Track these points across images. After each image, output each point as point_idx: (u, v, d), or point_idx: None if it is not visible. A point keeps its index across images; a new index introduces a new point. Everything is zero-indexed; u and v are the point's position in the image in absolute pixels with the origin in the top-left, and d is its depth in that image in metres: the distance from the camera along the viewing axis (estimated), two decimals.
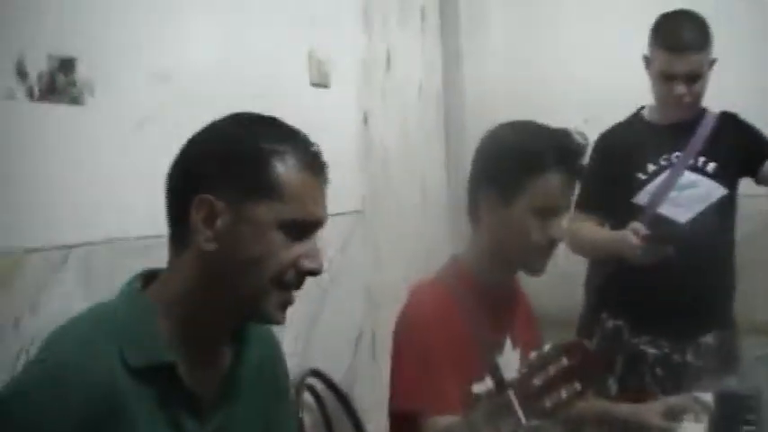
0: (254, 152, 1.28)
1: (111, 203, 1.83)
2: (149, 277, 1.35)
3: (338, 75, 2.73)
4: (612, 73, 3.50)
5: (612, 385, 2.63)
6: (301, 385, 2.24)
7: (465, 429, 1.40)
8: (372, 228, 2.95)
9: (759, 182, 2.68)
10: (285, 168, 1.28)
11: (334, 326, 2.55)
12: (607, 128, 2.81)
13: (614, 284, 2.70)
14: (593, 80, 3.64)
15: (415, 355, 1.83)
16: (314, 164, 1.31)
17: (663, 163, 2.67)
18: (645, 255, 2.49)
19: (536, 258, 1.89)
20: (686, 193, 2.65)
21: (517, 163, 1.84)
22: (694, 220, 2.63)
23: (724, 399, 2.15)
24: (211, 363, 1.35)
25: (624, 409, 2.19)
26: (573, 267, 2.85)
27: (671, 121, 2.70)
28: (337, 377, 2.51)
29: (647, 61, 2.67)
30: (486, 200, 1.89)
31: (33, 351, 1.50)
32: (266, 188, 1.27)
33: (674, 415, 2.09)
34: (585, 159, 1.90)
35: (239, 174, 1.27)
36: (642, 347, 2.64)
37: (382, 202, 3.06)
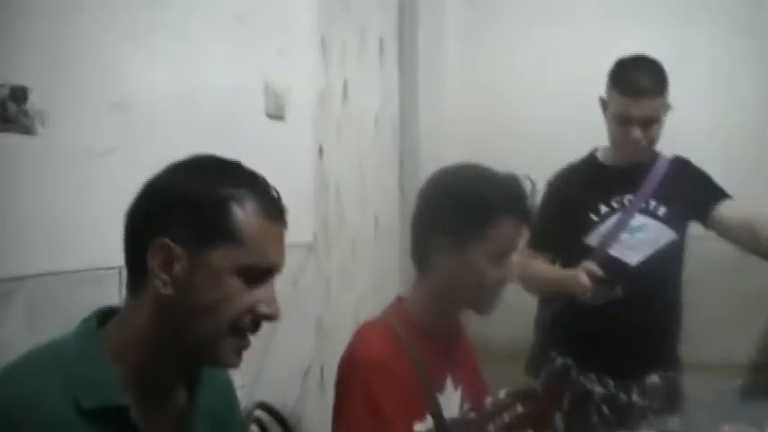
0: (213, 197, 1.29)
1: (63, 235, 1.80)
2: (106, 315, 1.34)
3: (294, 106, 2.73)
4: (567, 110, 3.56)
5: (559, 423, 2.65)
6: (249, 418, 2.23)
7: None
8: (323, 260, 2.94)
9: (707, 227, 2.73)
10: (243, 214, 1.28)
11: (284, 358, 2.54)
12: (561, 168, 2.86)
13: (562, 322, 2.75)
14: (548, 117, 3.69)
15: (358, 395, 1.84)
16: (273, 209, 1.32)
17: (615, 205, 2.72)
18: (595, 295, 2.54)
19: (488, 299, 1.92)
20: (637, 236, 2.70)
21: (470, 211, 1.87)
22: (643, 263, 2.68)
23: None
24: (165, 406, 1.35)
25: None
26: (521, 299, 2.87)
27: (624, 163, 2.75)
28: (285, 410, 2.49)
29: (604, 104, 2.72)
30: (437, 247, 1.90)
31: None
32: (224, 233, 1.27)
33: None
34: (534, 203, 1.93)
35: (197, 219, 1.28)
36: (589, 386, 2.67)
37: (334, 235, 3.06)
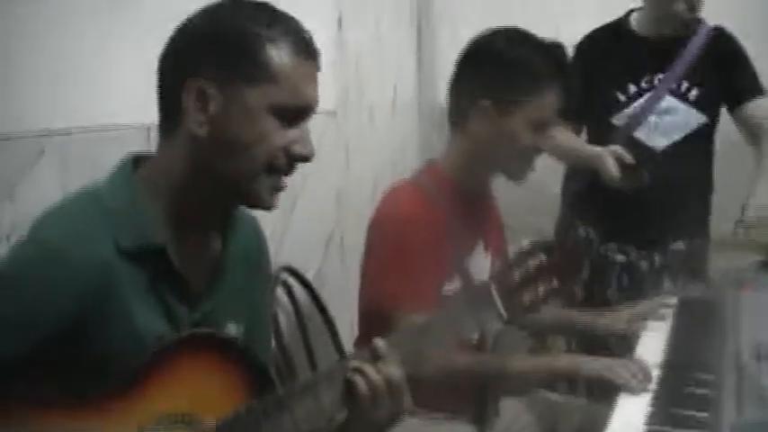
0: (248, 36, 1.28)
1: (90, 91, 1.80)
2: (140, 161, 1.35)
3: None
4: None
5: (578, 291, 2.68)
6: (275, 280, 2.26)
7: (444, 321, 1.42)
8: (344, 131, 2.94)
9: (732, 117, 2.66)
10: (278, 53, 1.27)
11: (306, 225, 2.57)
12: (593, 30, 2.73)
13: (588, 195, 2.70)
14: None
15: (388, 253, 1.87)
16: (307, 49, 1.31)
17: (644, 85, 2.62)
18: (620, 181, 2.48)
19: (522, 166, 1.95)
20: (665, 120, 2.61)
21: (518, 77, 1.87)
22: (670, 148, 2.62)
23: (686, 304, 2.23)
24: (200, 248, 1.37)
25: (589, 317, 2.25)
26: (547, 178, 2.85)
27: (659, 36, 2.62)
28: (309, 275, 2.53)
29: None
30: (480, 109, 1.90)
31: (14, 239, 1.51)
32: (259, 72, 1.27)
33: (638, 320, 2.15)
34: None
35: (232, 58, 1.27)
36: (610, 255, 2.68)
37: (354, 105, 3.05)
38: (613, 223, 2.67)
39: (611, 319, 2.18)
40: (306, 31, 1.33)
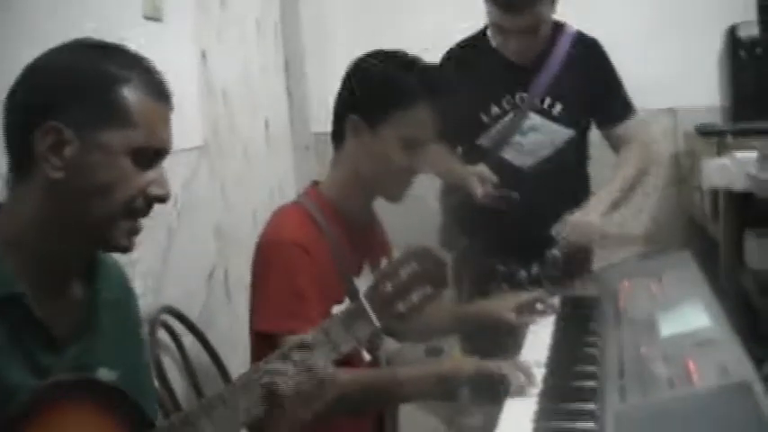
0: (101, 77, 1.26)
1: None
2: None
3: (173, 9, 2.65)
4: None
5: (462, 301, 2.73)
6: (156, 322, 2.21)
7: (321, 338, 1.42)
8: (217, 165, 2.90)
9: (602, 133, 2.70)
10: (133, 95, 1.26)
11: (185, 263, 2.51)
12: (453, 47, 2.71)
13: (466, 210, 2.68)
14: (430, 14, 3.67)
15: (277, 276, 1.86)
16: (161, 91, 1.31)
17: (506, 106, 2.60)
18: (490, 199, 2.50)
19: (397, 186, 1.96)
20: (530, 138, 2.60)
21: (387, 93, 1.89)
22: (538, 166, 2.61)
23: (568, 302, 2.28)
24: (63, 294, 1.33)
25: (476, 306, 2.27)
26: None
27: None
28: (192, 316, 2.48)
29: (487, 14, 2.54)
30: (353, 125, 1.92)
31: None
32: (115, 115, 1.25)
33: (525, 310, 2.18)
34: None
35: (87, 100, 1.25)
36: (491, 265, 2.68)
37: (225, 140, 3.01)
38: (492, 235, 2.66)
39: (499, 309, 2.19)
40: (159, 73, 1.33)
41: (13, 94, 1.28)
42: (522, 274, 2.66)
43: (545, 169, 2.60)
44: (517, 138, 2.59)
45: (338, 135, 1.98)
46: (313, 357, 1.40)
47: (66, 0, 2.12)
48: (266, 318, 1.87)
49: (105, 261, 1.42)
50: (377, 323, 1.46)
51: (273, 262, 1.89)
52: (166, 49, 2.59)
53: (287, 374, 1.35)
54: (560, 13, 2.59)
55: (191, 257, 2.58)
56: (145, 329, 2.00)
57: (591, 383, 1.66)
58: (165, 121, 1.32)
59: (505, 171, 2.56)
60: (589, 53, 2.64)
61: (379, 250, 2.10)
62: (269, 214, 2.02)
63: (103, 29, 2.17)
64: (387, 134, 1.90)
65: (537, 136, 2.59)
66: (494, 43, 2.61)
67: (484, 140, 2.63)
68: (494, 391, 1.71)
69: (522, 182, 2.57)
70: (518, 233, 2.59)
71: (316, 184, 2.04)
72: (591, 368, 1.74)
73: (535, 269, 2.64)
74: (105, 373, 1.35)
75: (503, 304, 2.21)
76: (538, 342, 2.00)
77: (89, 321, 1.35)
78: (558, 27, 2.62)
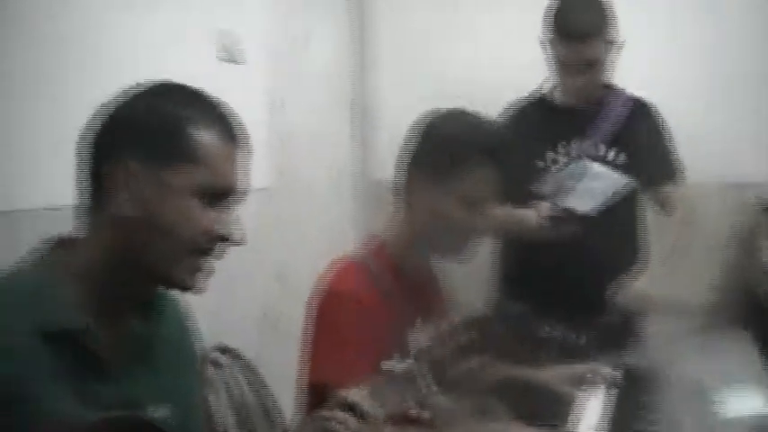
0: (173, 117, 1.29)
1: (10, 173, 1.78)
2: (60, 243, 1.33)
3: (248, 53, 2.72)
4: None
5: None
6: (207, 360, 2.23)
7: (371, 397, 1.42)
8: (280, 209, 2.94)
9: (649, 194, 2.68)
10: (201, 134, 1.28)
11: (243, 306, 2.54)
12: (510, 105, 2.74)
13: (519, 272, 2.70)
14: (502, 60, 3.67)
15: (330, 329, 1.86)
16: (230, 132, 1.32)
17: (562, 151, 2.63)
18: (551, 225, 2.49)
19: (458, 246, 1.94)
20: (587, 184, 2.59)
21: (453, 152, 1.89)
22: (598, 213, 2.59)
23: (619, 372, 2.23)
24: (122, 329, 1.34)
25: (528, 372, 2.24)
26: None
27: (575, 103, 2.65)
28: (247, 356, 2.50)
29: (544, 45, 2.62)
30: (417, 181, 1.92)
31: None
32: (183, 153, 1.27)
33: (577, 381, 2.15)
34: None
35: (157, 138, 1.28)
36: (541, 331, 2.66)
37: (290, 185, 3.06)
38: (545, 301, 2.64)
39: (551, 378, 2.16)
40: (230, 115, 1.35)
41: (87, 132, 1.32)
42: (572, 339, 2.65)
43: (604, 217, 2.58)
44: (575, 184, 2.60)
45: (400, 187, 1.99)
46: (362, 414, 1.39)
47: (149, 41, 2.19)
48: (316, 369, 1.87)
49: (166, 296, 1.43)
50: (429, 388, 1.44)
51: (328, 314, 1.89)
52: (238, 91, 2.65)
53: (345, 421, 1.35)
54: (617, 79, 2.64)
55: (249, 299, 2.60)
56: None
57: None
58: (233, 162, 1.32)
59: (562, 218, 2.56)
60: (646, 111, 2.69)
61: (435, 306, 2.09)
62: (327, 259, 2.03)
63: (181, 70, 2.26)
64: (449, 192, 1.90)
65: (594, 183, 2.60)
66: (550, 96, 2.69)
67: (541, 187, 2.64)
68: None
69: (580, 227, 2.55)
70: (571, 295, 2.58)
71: (376, 237, 2.04)
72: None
73: (588, 337, 2.63)
74: (156, 410, 1.36)
75: (555, 374, 2.19)
76: (587, 413, 1.97)
77: (144, 356, 1.36)
78: (612, 87, 2.68)
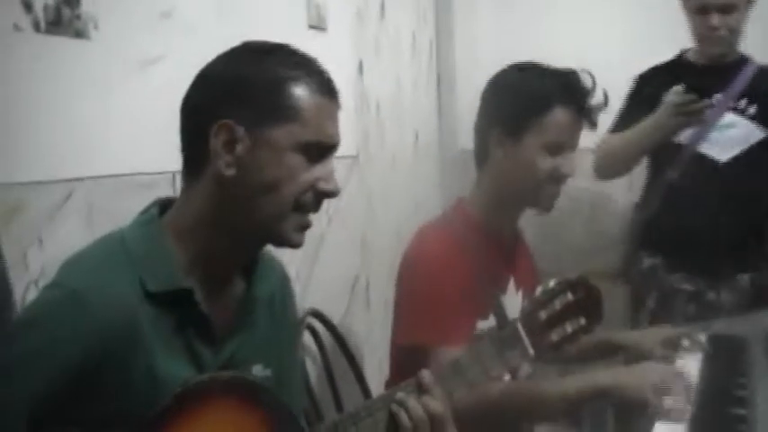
0: (271, 76, 1.30)
1: (116, 139, 1.82)
2: (165, 206, 1.36)
3: (334, 20, 2.72)
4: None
5: (644, 321, 2.73)
6: (301, 323, 2.26)
7: (472, 360, 1.41)
8: (366, 176, 2.95)
9: None
10: (301, 92, 1.30)
11: (331, 270, 2.57)
12: (650, 67, 2.86)
13: (654, 224, 2.78)
14: (583, 30, 3.62)
15: (421, 292, 1.87)
16: (328, 88, 1.33)
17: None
18: (686, 118, 2.56)
19: (544, 195, 1.94)
20: (726, 134, 2.71)
21: (525, 100, 1.88)
22: (734, 160, 2.70)
23: (716, 340, 2.20)
24: (225, 292, 1.37)
25: (625, 335, 2.22)
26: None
27: (711, 61, 2.75)
28: (334, 321, 2.52)
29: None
30: (495, 138, 1.92)
31: (42, 283, 1.51)
32: (283, 111, 1.28)
33: (673, 344, 2.12)
34: (595, 99, 1.92)
35: (257, 98, 1.29)
36: (676, 285, 2.71)
37: (376, 151, 3.06)
38: (679, 252, 2.71)
39: (646, 340, 2.13)
40: (326, 71, 1.36)
41: (188, 98, 1.34)
42: (711, 295, 2.69)
43: (740, 166, 2.70)
44: (714, 133, 2.70)
45: (481, 152, 1.99)
46: (458, 378, 1.39)
47: (236, 10, 2.21)
48: (411, 330, 1.89)
49: (266, 259, 1.45)
50: (531, 352, 1.44)
51: (419, 276, 1.90)
52: (327, 58, 2.66)
53: (411, 410, 1.33)
54: None
55: (337, 264, 2.63)
56: None
57: (741, 427, 1.60)
58: (333, 118, 1.34)
59: (702, 164, 2.69)
60: None
61: (524, 270, 2.09)
62: (413, 228, 2.04)
63: (271, 36, 2.28)
64: (530, 142, 1.90)
65: (733, 132, 2.70)
66: (689, 58, 2.81)
67: (680, 137, 2.71)
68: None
69: (717, 175, 2.69)
70: (709, 248, 2.64)
71: (461, 200, 2.04)
72: (741, 411, 1.68)
73: (724, 294, 2.67)
74: (259, 371, 1.39)
75: (649, 336, 2.16)
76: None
77: (247, 317, 1.38)
78: (743, 57, 2.79)
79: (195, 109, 1.33)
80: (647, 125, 2.66)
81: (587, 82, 1.91)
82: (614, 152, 2.76)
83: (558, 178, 1.93)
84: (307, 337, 2.35)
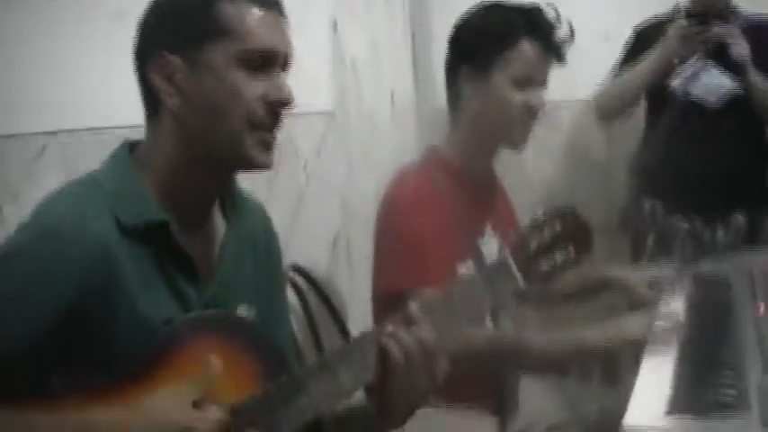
0: None
1: (90, 93, 1.79)
2: (134, 146, 1.34)
3: None
4: None
5: (643, 262, 2.77)
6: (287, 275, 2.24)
7: (461, 292, 1.39)
8: (344, 134, 2.93)
9: None
10: (230, 6, 1.26)
11: (312, 227, 2.55)
12: (644, 20, 2.92)
13: (652, 167, 2.86)
14: None
15: (398, 237, 1.86)
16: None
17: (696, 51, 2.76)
18: (689, 44, 2.67)
19: (517, 130, 1.93)
20: (716, 79, 2.77)
21: (490, 36, 1.87)
22: (725, 103, 2.77)
23: (699, 281, 2.20)
24: (203, 227, 1.35)
25: (612, 272, 2.22)
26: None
27: (705, 9, 2.77)
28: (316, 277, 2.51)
29: None
30: (464, 77, 1.91)
31: None
32: (215, 29, 1.25)
33: (658, 285, 2.12)
34: (561, 33, 1.91)
35: (187, 22, 1.27)
36: (675, 225, 2.76)
37: (352, 109, 3.04)
38: (677, 192, 2.79)
39: (634, 281, 2.15)
40: None
41: (134, 42, 1.32)
42: (707, 233, 2.75)
43: (730, 108, 2.78)
44: (704, 80, 2.78)
45: (452, 95, 1.98)
46: (433, 322, 1.34)
47: None
48: (391, 276, 1.87)
49: (246, 199, 1.44)
50: (521, 282, 1.42)
51: (395, 221, 1.89)
52: (299, 15, 2.63)
53: (401, 342, 1.28)
54: None
55: (317, 222, 2.61)
56: None
57: (730, 355, 1.60)
58: (270, 26, 1.29)
59: (694, 109, 2.77)
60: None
61: (503, 213, 2.07)
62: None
63: None
64: (498, 77, 1.89)
65: (722, 78, 2.77)
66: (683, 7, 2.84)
67: (674, 82, 2.80)
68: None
69: (709, 119, 2.78)
70: (704, 188, 2.74)
71: (435, 146, 2.03)
72: (729, 342, 1.68)
73: (720, 232, 2.74)
74: (244, 310, 1.37)
75: (635, 275, 2.16)
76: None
77: (228, 255, 1.36)
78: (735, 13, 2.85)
79: (137, 50, 1.31)
80: (650, 59, 2.75)
81: (552, 16, 1.90)
82: (616, 92, 2.87)
83: (528, 112, 1.91)
84: (289, 294, 2.33)
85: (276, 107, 1.29)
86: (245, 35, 1.26)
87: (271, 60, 1.29)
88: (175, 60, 1.26)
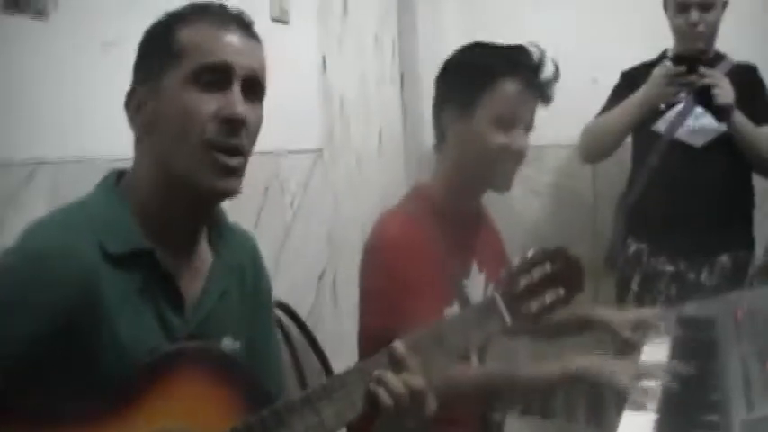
0: (159, 27, 1.30)
1: (82, 122, 1.79)
2: (121, 174, 1.35)
3: (297, 15, 2.71)
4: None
5: (629, 304, 2.80)
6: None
7: (449, 329, 1.39)
8: (330, 171, 2.94)
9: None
10: (185, 30, 1.28)
11: (297, 263, 2.54)
12: (631, 66, 2.97)
13: (639, 209, 2.91)
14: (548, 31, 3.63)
15: (384, 278, 1.85)
16: (222, 18, 1.29)
17: (681, 94, 2.81)
18: (674, 87, 2.69)
19: (500, 172, 1.92)
20: (700, 122, 2.83)
21: (473, 76, 1.88)
22: (709, 144, 2.82)
23: (684, 322, 2.21)
24: (190, 258, 1.34)
25: (602, 314, 2.21)
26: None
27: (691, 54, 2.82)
28: (300, 315, 2.49)
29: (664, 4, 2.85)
30: (449, 116, 1.92)
31: None
32: (172, 54, 1.26)
33: (644, 327, 2.12)
34: (545, 74, 1.92)
35: (151, 53, 1.29)
36: (660, 267, 2.83)
37: (340, 147, 3.05)
38: (663, 236, 2.83)
39: (619, 322, 2.14)
40: (230, 9, 1.32)
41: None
42: (691, 276, 2.81)
43: (715, 152, 2.82)
44: (689, 122, 2.84)
45: (438, 135, 1.98)
46: (420, 360, 1.34)
47: None
48: (376, 318, 1.86)
49: (234, 229, 1.43)
50: (508, 320, 1.41)
51: (380, 263, 1.88)
52: (290, 52, 2.65)
53: (390, 387, 1.28)
54: None
55: (303, 257, 2.60)
56: None
57: (715, 395, 1.60)
58: (222, 41, 1.28)
59: (679, 151, 2.83)
60: (748, 74, 2.92)
61: (490, 248, 2.07)
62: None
63: None
64: (481, 117, 1.88)
65: (708, 120, 2.81)
66: (669, 54, 2.90)
67: (659, 125, 2.86)
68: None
69: (693, 159, 2.82)
70: (689, 230, 2.77)
71: (420, 185, 2.03)
72: (713, 381, 1.68)
73: (704, 275, 2.79)
74: (229, 342, 1.36)
75: (621, 316, 2.16)
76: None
77: (215, 286, 1.36)
78: (720, 55, 2.91)
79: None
80: (634, 99, 2.80)
81: (536, 55, 1.91)
82: (601, 132, 2.91)
83: (511, 155, 1.90)
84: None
85: (229, 124, 1.27)
86: (196, 53, 1.26)
87: (224, 76, 1.28)
88: (142, 91, 1.28)
